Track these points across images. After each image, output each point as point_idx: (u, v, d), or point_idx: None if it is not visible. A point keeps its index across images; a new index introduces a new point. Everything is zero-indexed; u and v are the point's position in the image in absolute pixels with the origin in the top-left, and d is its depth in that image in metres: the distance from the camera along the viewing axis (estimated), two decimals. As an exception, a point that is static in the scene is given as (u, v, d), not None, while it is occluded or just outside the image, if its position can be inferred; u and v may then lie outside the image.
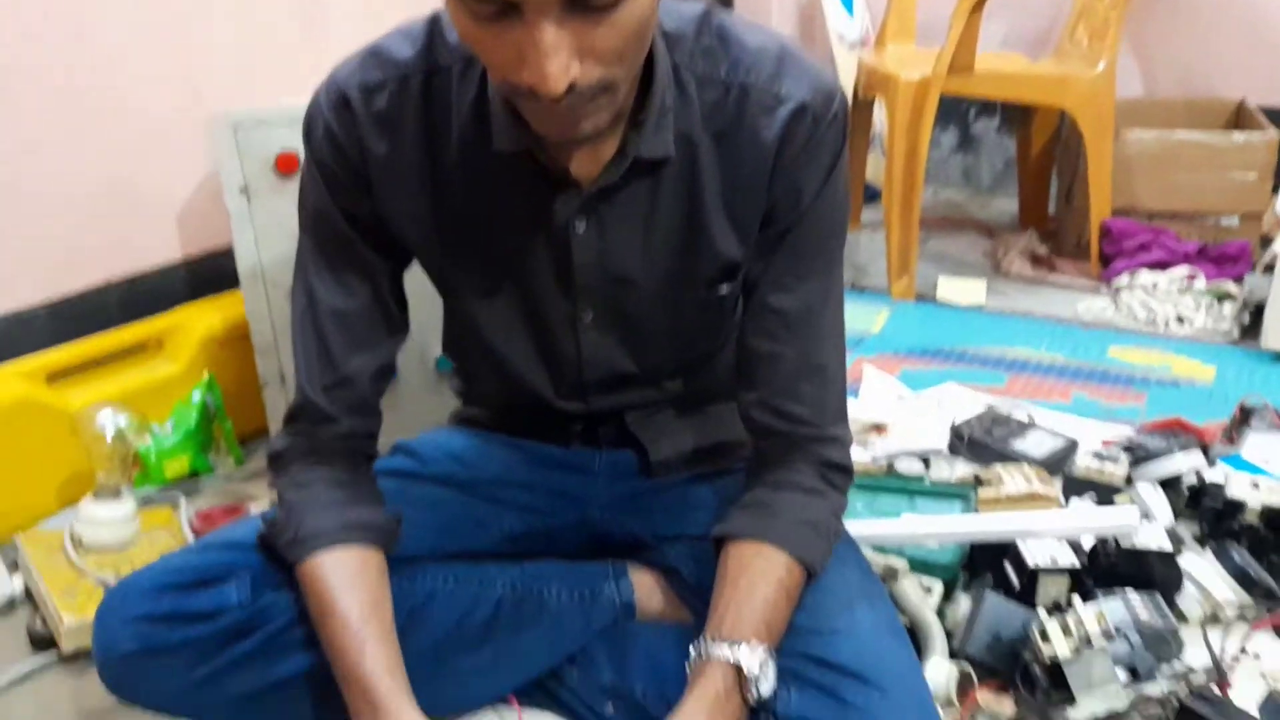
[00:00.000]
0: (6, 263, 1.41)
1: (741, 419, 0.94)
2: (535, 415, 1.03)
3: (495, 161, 0.84)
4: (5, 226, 1.39)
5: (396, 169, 0.87)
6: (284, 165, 1.35)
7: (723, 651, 0.79)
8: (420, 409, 1.33)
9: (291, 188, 1.33)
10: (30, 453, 1.29)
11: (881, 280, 2.25)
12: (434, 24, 0.85)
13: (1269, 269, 1.85)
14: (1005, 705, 0.91)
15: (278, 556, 0.87)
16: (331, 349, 0.90)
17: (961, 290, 2.15)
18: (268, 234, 1.37)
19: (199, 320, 1.50)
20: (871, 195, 2.71)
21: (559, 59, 0.67)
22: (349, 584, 0.83)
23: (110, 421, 1.18)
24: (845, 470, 0.93)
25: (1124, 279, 2.08)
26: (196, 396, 1.41)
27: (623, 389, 1.00)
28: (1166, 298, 1.98)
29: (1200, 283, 2.01)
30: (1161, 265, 2.07)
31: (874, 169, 2.66)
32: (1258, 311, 1.84)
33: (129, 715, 0.91)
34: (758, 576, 0.84)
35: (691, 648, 0.81)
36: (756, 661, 0.78)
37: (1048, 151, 2.54)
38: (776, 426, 0.91)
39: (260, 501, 1.37)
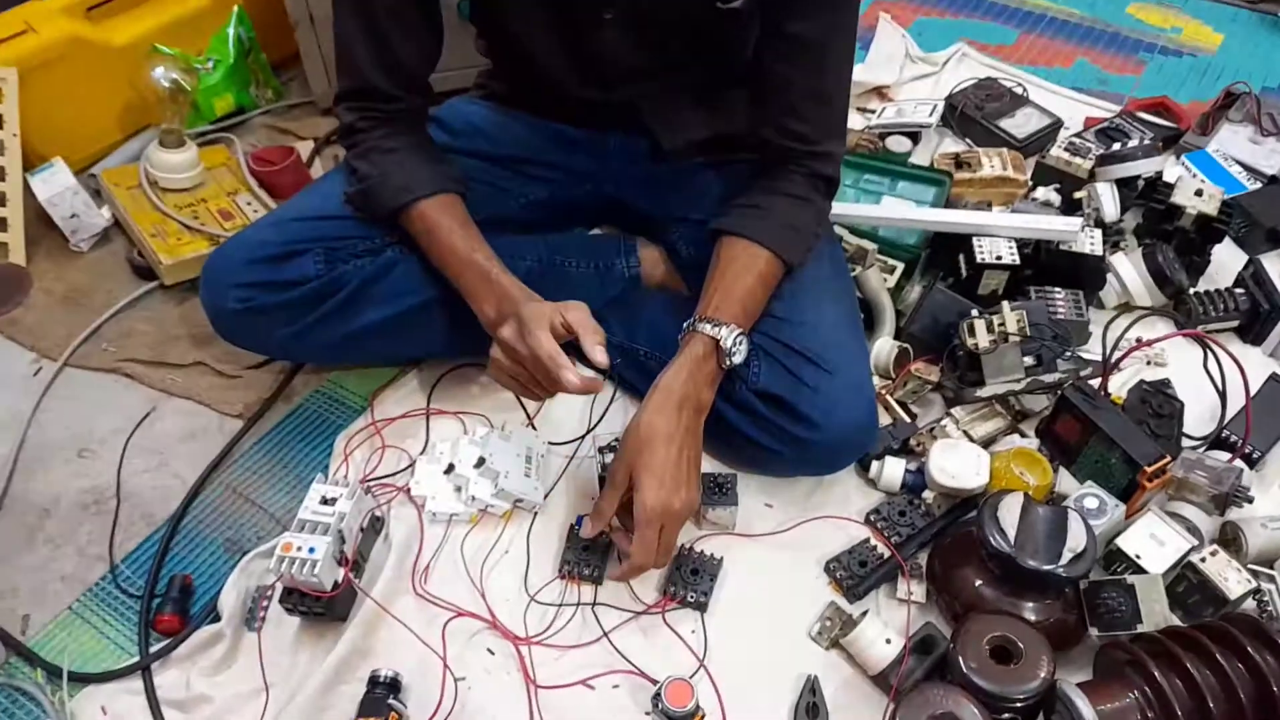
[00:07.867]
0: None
1: (749, 130, 1.05)
2: (553, 97, 1.13)
3: None
4: None
5: None
6: None
7: (706, 329, 0.98)
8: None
9: None
10: (86, 87, 1.38)
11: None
12: None
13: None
14: (932, 375, 1.13)
15: (365, 210, 1.04)
16: (388, 36, 1.01)
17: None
18: None
19: (221, -52, 1.50)
20: None
21: None
22: (457, 217, 1.03)
23: (164, 75, 1.26)
24: (832, 181, 1.07)
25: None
26: (230, 31, 1.46)
27: (638, 80, 1.10)
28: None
29: (1245, -72, 1.91)
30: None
31: None
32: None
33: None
34: (742, 269, 1.02)
35: (685, 323, 1.01)
36: (732, 338, 0.98)
37: None
38: (779, 141, 1.03)
39: (304, 139, 1.49)
